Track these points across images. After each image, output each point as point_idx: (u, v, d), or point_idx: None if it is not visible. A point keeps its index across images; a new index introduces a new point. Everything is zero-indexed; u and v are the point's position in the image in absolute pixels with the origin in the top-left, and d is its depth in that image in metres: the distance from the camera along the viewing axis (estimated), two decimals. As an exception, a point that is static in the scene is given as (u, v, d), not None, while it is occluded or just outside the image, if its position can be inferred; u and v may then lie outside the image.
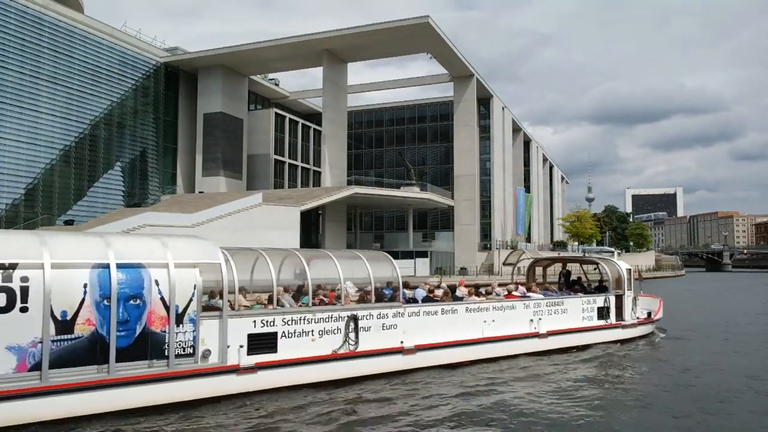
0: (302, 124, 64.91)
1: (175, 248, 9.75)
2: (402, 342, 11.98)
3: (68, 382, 8.32)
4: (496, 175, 63.29)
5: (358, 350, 11.29)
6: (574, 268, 20.64)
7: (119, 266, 8.89)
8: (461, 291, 14.78)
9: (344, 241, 53.12)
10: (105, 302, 8.68)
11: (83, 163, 44.98)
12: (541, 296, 15.70)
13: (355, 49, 51.62)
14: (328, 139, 51.48)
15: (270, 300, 11.15)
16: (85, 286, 8.60)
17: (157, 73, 52.00)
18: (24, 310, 8.12)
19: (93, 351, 8.57)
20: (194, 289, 9.50)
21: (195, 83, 55.49)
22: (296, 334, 10.65)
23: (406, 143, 73.23)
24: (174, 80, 54.56)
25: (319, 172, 57.53)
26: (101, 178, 46.75)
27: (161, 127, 52.74)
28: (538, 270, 20.89)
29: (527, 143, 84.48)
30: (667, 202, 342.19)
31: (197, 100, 55.29)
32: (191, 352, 9.41)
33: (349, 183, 52.56)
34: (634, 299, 17.60)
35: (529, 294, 15.83)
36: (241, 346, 9.99)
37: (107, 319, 8.67)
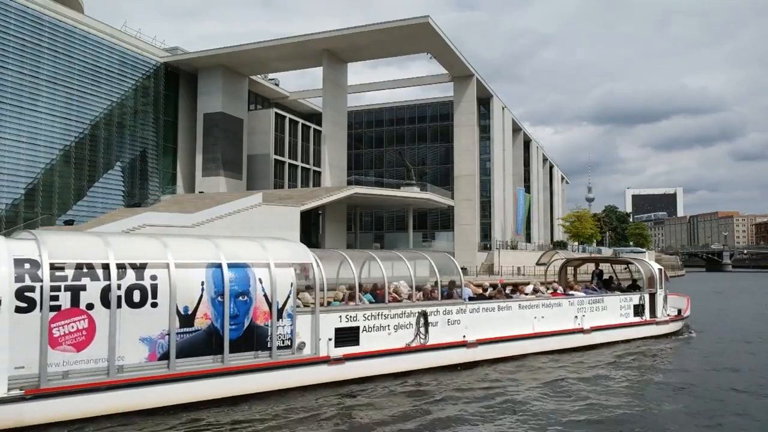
0: (302, 124, 64.90)
1: (273, 250, 10.73)
2: (464, 336, 12.95)
3: (190, 370, 9.21)
4: (496, 175, 63.28)
5: (427, 344, 12.24)
6: (604, 268, 21.56)
7: (229, 266, 9.83)
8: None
9: (344, 241, 53.12)
10: (219, 298, 9.60)
11: (83, 163, 44.97)
12: (583, 294, 16.64)
13: (355, 49, 51.61)
14: (328, 139, 51.46)
15: (351, 297, 12.09)
16: (202, 284, 9.51)
17: (157, 73, 51.99)
18: (154, 305, 8.97)
19: (209, 342, 9.49)
20: (291, 287, 10.46)
21: (195, 83, 55.47)
22: (375, 329, 11.61)
23: (406, 143, 73.24)
24: (174, 80, 54.54)
25: (319, 172, 57.52)
26: (101, 178, 46.73)
27: (161, 127, 52.73)
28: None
29: (527, 143, 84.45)
30: (667, 202, 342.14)
31: (197, 100, 55.28)
32: (289, 344, 10.36)
33: (349, 183, 52.56)
34: (665, 297, 18.44)
35: (571, 292, 16.81)
36: (330, 339, 10.91)
37: (221, 314, 9.59)
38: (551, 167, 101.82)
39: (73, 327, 8.31)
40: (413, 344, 12.03)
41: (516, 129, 76.69)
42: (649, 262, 19.07)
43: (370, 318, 11.51)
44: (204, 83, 54.90)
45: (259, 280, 10.07)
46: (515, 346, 13.92)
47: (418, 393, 10.73)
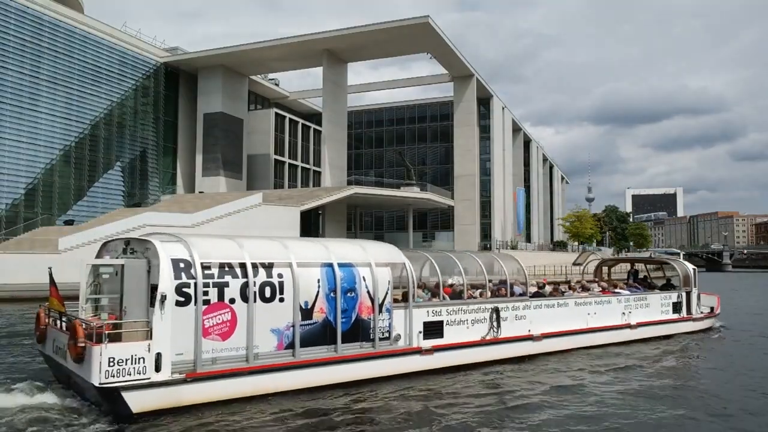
0: (302, 124, 64.90)
1: (373, 251, 11.74)
2: (529, 330, 13.97)
3: (311, 358, 10.23)
4: (496, 175, 63.27)
5: (499, 337, 13.30)
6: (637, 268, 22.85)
7: (339, 265, 10.85)
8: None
9: (344, 241, 53.06)
10: (332, 294, 10.61)
11: (83, 163, 44.98)
12: (629, 292, 17.66)
13: (355, 49, 51.61)
14: (328, 139, 51.46)
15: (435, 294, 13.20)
16: (318, 281, 10.51)
17: (157, 73, 52.00)
18: (281, 300, 10.02)
19: (325, 334, 10.50)
20: (388, 284, 11.45)
21: (195, 83, 55.47)
22: (456, 323, 12.63)
23: (406, 143, 73.24)
24: (174, 80, 54.55)
25: (319, 172, 57.53)
26: (101, 178, 46.74)
27: (161, 127, 52.74)
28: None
29: (527, 143, 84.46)
30: (667, 202, 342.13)
31: (197, 100, 55.29)
32: (387, 336, 11.35)
33: (349, 183, 52.56)
34: (698, 295, 19.57)
35: (618, 290, 17.82)
36: (420, 332, 11.90)
37: (334, 308, 10.61)
38: (551, 167, 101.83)
39: (219, 319, 9.38)
40: (488, 337, 13.13)
41: (516, 129, 76.68)
42: (684, 263, 20.14)
43: (451, 313, 12.59)
44: (204, 83, 54.89)
45: (363, 278, 11.10)
46: (573, 340, 14.96)
47: (496, 382, 11.73)
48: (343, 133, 54.82)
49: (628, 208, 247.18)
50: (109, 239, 11.42)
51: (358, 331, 10.93)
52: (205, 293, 9.21)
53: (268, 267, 10.02)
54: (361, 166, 73.75)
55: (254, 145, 58.61)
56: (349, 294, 10.84)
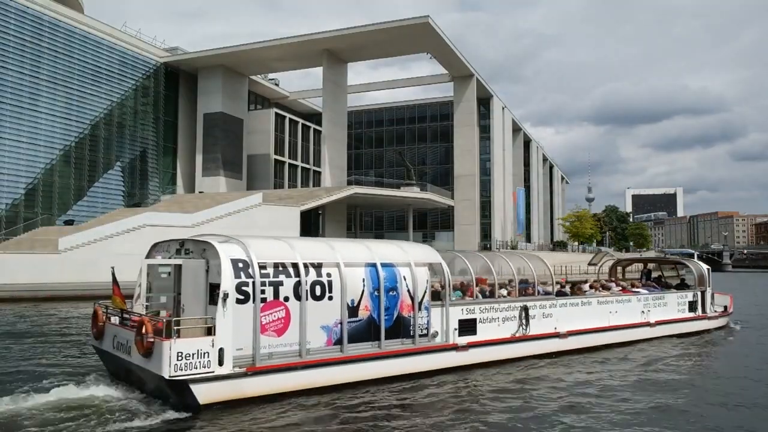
0: (302, 124, 64.88)
1: (412, 252, 12.28)
2: (556, 328, 14.51)
3: (357, 353, 10.72)
4: (496, 175, 63.26)
5: (528, 334, 13.85)
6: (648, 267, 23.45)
7: (382, 265, 11.35)
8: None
9: (344, 241, 53.05)
10: (375, 293, 11.10)
11: (83, 163, 44.97)
12: (647, 292, 18.12)
13: (355, 49, 51.61)
14: (328, 139, 51.46)
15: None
16: (363, 280, 11.01)
17: (157, 73, 52.00)
18: (330, 298, 10.50)
19: (369, 330, 11.00)
20: (427, 283, 11.97)
21: (195, 83, 55.47)
22: (488, 321, 13.19)
23: (406, 143, 73.23)
24: (174, 80, 54.55)
25: (319, 172, 57.52)
26: (101, 178, 46.74)
27: (161, 127, 52.73)
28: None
29: (527, 143, 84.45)
30: (667, 202, 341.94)
31: (197, 100, 55.28)
32: (425, 333, 11.84)
33: (349, 183, 52.56)
34: (712, 295, 20.17)
35: (637, 289, 18.24)
36: (455, 329, 12.44)
37: (377, 306, 11.10)
38: (551, 167, 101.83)
39: (274, 316, 9.89)
40: (517, 334, 13.67)
41: (516, 129, 76.67)
42: (699, 263, 20.72)
43: (484, 311, 13.17)
44: (204, 83, 54.89)
45: (404, 277, 11.58)
46: (596, 337, 15.48)
47: (527, 378, 12.20)
48: (343, 133, 54.82)
49: (628, 208, 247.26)
50: (160, 240, 12.03)
51: (400, 328, 11.45)
52: (262, 292, 9.71)
53: (318, 267, 10.54)
54: (361, 166, 73.74)
55: (254, 145, 58.61)
56: (391, 293, 11.34)
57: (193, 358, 8.88)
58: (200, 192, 51.37)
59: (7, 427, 8.10)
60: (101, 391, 9.68)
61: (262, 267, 9.80)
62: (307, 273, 10.28)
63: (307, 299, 10.19)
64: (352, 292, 10.78)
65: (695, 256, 25.58)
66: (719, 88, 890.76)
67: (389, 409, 9.52)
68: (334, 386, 10.27)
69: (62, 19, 43.62)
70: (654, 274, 22.64)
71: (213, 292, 9.50)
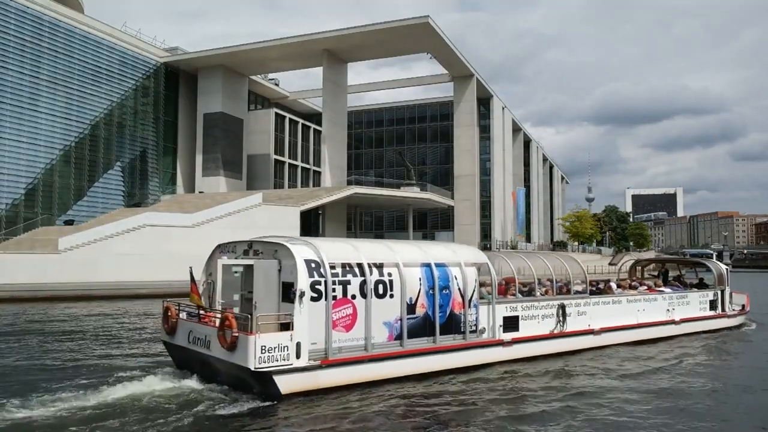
0: (302, 124, 64.88)
1: (461, 253, 13.11)
2: (589, 325, 15.23)
3: (415, 348, 11.46)
4: (496, 175, 63.26)
5: (565, 331, 14.58)
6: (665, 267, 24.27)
7: (436, 265, 12.09)
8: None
9: (344, 241, 53.03)
10: (430, 291, 11.83)
11: (83, 163, 44.97)
12: (671, 291, 18.88)
13: (355, 49, 51.61)
14: (328, 139, 51.46)
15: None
16: (419, 280, 11.71)
17: (157, 73, 51.99)
18: (391, 296, 11.23)
19: (425, 327, 11.72)
20: (475, 282, 12.76)
21: (195, 83, 55.47)
22: (529, 318, 13.92)
23: (406, 143, 73.23)
24: (174, 80, 54.54)
25: (319, 172, 57.52)
26: (101, 178, 46.74)
27: (161, 127, 52.73)
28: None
29: (527, 143, 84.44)
30: (667, 202, 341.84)
31: (197, 100, 55.28)
32: (474, 329, 12.61)
33: (349, 183, 52.56)
34: (731, 294, 20.87)
35: (661, 289, 19.07)
36: (500, 326, 13.20)
37: (432, 304, 11.83)
38: (551, 167, 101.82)
39: (343, 313, 10.61)
40: (555, 331, 14.40)
41: (516, 129, 76.67)
42: (718, 263, 21.40)
43: (525, 309, 13.91)
44: (204, 83, 54.89)
45: (455, 277, 12.32)
46: (626, 334, 16.23)
47: (568, 372, 12.91)
48: (343, 133, 54.82)
49: (628, 208, 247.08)
50: (223, 242, 12.73)
51: (452, 324, 12.19)
52: (333, 290, 10.43)
53: (380, 267, 11.27)
54: (361, 166, 73.74)
55: (254, 145, 58.61)
56: (444, 291, 12.07)
57: (274, 352, 9.60)
58: (200, 192, 51.38)
59: (103, 416, 8.66)
60: (180, 383, 10.38)
61: (332, 267, 10.51)
62: (371, 273, 11.02)
63: (371, 297, 10.92)
64: (411, 290, 11.51)
65: (714, 256, 26.80)
66: (719, 88, 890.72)
67: (445, 400, 10.19)
68: (395, 378, 10.99)
69: (62, 19, 43.62)
70: (671, 273, 23.36)
71: (286, 290, 10.26)
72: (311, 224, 52.26)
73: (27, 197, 40.93)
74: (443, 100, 70.35)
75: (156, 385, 10.22)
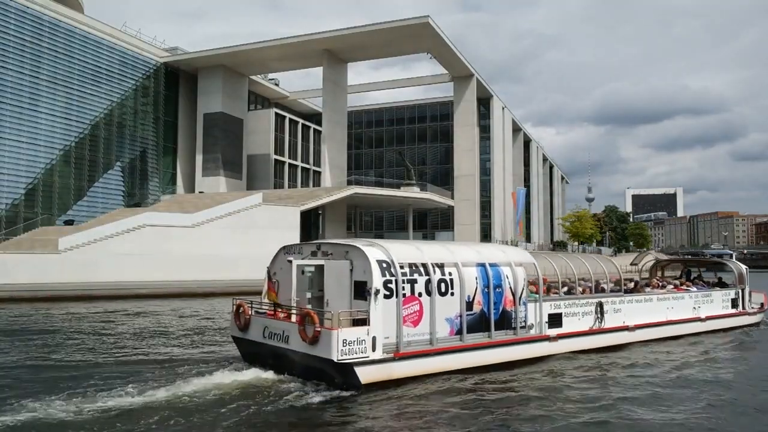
0: (302, 124, 64.87)
1: (511, 253, 14.02)
2: (624, 322, 16.01)
3: (473, 342, 12.28)
4: (496, 175, 63.25)
5: (603, 327, 15.40)
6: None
7: (490, 265, 12.92)
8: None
9: (344, 241, 53.01)
10: (485, 289, 12.64)
11: (83, 163, 44.97)
12: (696, 289, 19.67)
13: (355, 49, 51.60)
14: (328, 139, 51.46)
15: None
16: (476, 278, 12.54)
17: (157, 73, 51.99)
18: (452, 294, 12.05)
19: (481, 322, 12.57)
20: (524, 281, 13.50)
21: (195, 83, 55.46)
22: (571, 315, 14.71)
23: (406, 143, 73.21)
24: (174, 80, 54.53)
25: (319, 172, 57.52)
26: (101, 178, 46.73)
27: (161, 127, 52.72)
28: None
29: (527, 143, 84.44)
30: (667, 202, 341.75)
31: (197, 100, 55.27)
32: (524, 325, 13.38)
33: (349, 183, 52.54)
34: (750, 293, 21.71)
35: (688, 287, 19.84)
36: (546, 322, 13.92)
37: (487, 301, 12.66)
38: (551, 167, 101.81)
39: (411, 309, 11.40)
40: (594, 327, 15.20)
41: (516, 129, 76.67)
42: (738, 263, 22.20)
43: (568, 306, 14.70)
44: (204, 83, 54.88)
45: (506, 276, 13.12)
46: (658, 330, 17.12)
47: (611, 363, 13.75)
48: (343, 133, 54.82)
49: (628, 208, 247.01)
50: (289, 244, 13.54)
51: (504, 320, 13.01)
52: (402, 288, 11.20)
53: (441, 267, 12.08)
54: (361, 166, 73.73)
55: (254, 145, 58.60)
56: (497, 289, 12.88)
57: (353, 345, 10.36)
58: (200, 192, 51.37)
59: (189, 407, 9.21)
60: (260, 374, 11.18)
61: (401, 267, 11.31)
62: (434, 272, 11.84)
63: (435, 295, 11.72)
64: (469, 288, 12.36)
65: (733, 256, 27.34)
66: (720, 88, 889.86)
67: (503, 391, 11.00)
68: (456, 370, 11.78)
69: (62, 19, 43.61)
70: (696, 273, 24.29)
71: (358, 288, 11.06)
72: (311, 224, 52.27)
73: (27, 197, 40.92)
74: (443, 100, 70.35)
75: (235, 377, 10.90)
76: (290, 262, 12.32)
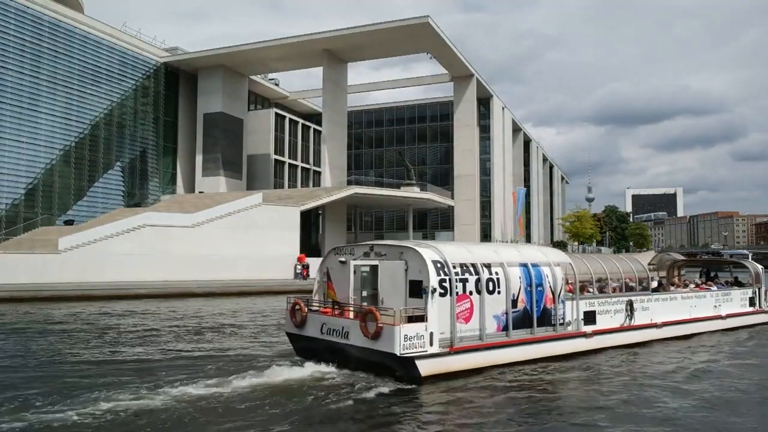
0: (302, 124, 64.89)
1: (549, 253, 14.75)
2: (652, 319, 16.72)
3: (518, 338, 12.90)
4: (496, 175, 63.26)
5: (633, 324, 16.08)
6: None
7: (532, 265, 13.55)
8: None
9: (344, 242, 53.09)
10: (528, 288, 13.24)
11: (83, 163, 44.98)
12: (716, 289, 20.42)
13: (355, 49, 51.62)
14: (328, 139, 51.47)
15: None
16: (519, 278, 13.13)
17: (157, 73, 51.99)
18: (498, 293, 12.66)
19: (524, 319, 13.14)
20: (562, 280, 14.12)
21: (195, 83, 55.47)
22: (603, 313, 15.37)
23: (406, 143, 73.22)
24: (174, 80, 54.54)
25: (319, 172, 57.53)
26: (101, 178, 46.74)
27: (161, 127, 52.73)
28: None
29: (527, 143, 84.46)
30: (667, 202, 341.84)
31: (197, 100, 55.28)
32: (562, 322, 13.99)
33: (349, 183, 52.55)
34: (766, 291, 22.36)
35: (709, 287, 20.57)
36: (581, 319, 14.57)
37: (530, 299, 13.27)
38: (551, 167, 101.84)
39: (463, 307, 12.03)
40: (625, 324, 15.85)
41: (516, 129, 76.68)
42: (754, 263, 22.98)
43: (601, 305, 15.38)
44: (204, 83, 54.89)
45: (546, 275, 13.73)
46: (683, 328, 17.80)
47: (641, 358, 14.61)
48: (343, 133, 54.83)
49: (628, 208, 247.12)
50: (338, 245, 14.13)
51: (545, 317, 13.63)
52: (455, 287, 11.81)
53: (488, 267, 12.70)
54: (361, 166, 73.75)
55: (254, 145, 58.62)
56: (539, 288, 13.49)
57: (414, 340, 10.93)
58: (200, 192, 51.39)
59: (253, 398, 9.64)
60: (319, 368, 11.64)
61: (453, 266, 11.91)
62: (482, 272, 12.49)
63: (484, 293, 12.37)
64: (513, 287, 12.94)
65: (750, 256, 28.23)
66: (720, 88, 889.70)
67: (547, 383, 11.66)
68: (503, 364, 12.41)
69: (62, 19, 43.62)
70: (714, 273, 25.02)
71: (414, 287, 11.67)
72: (311, 224, 52.28)
73: (27, 197, 40.94)
74: (443, 100, 70.36)
75: (295, 372, 11.38)
76: (342, 262, 13.11)
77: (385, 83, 68.61)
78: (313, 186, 61.61)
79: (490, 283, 12.55)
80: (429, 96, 78.21)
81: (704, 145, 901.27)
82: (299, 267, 39.43)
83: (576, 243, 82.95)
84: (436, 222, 68.68)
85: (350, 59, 54.42)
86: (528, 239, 76.63)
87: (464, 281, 12.08)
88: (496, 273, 12.77)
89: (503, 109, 67.40)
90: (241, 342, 15.99)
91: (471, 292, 12.18)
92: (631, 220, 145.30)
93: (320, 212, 51.18)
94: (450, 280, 11.70)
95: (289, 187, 59.66)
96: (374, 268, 12.61)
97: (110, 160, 47.55)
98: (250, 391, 10.05)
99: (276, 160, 60.08)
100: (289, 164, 62.35)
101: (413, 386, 10.68)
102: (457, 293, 11.83)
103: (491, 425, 8.79)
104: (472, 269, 12.36)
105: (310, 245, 47.94)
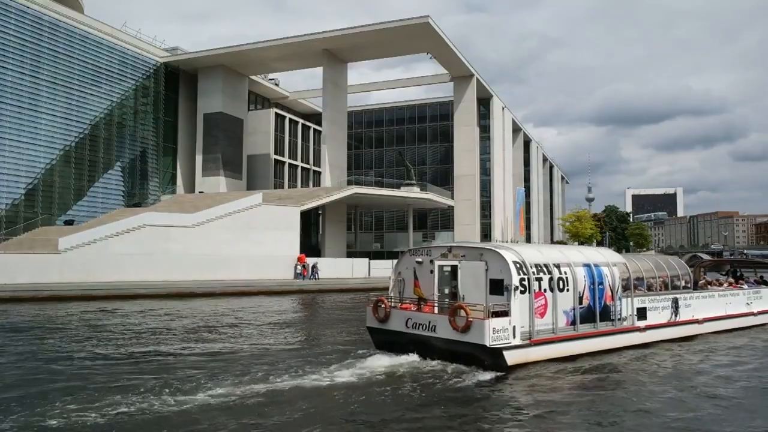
0: (302, 124, 64.87)
1: (606, 254, 16.28)
2: (693, 315, 17.93)
3: (584, 332, 14.24)
4: (496, 175, 63.24)
5: (678, 320, 17.34)
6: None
7: (594, 265, 14.91)
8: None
9: (344, 241, 53.11)
10: (591, 286, 14.57)
11: (83, 163, 44.96)
12: (747, 287, 21.69)
13: (355, 49, 51.60)
14: (328, 139, 51.46)
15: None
16: (584, 276, 14.47)
17: (157, 73, 51.97)
18: (567, 290, 13.98)
19: (589, 315, 14.48)
20: (618, 279, 15.38)
21: (195, 83, 55.45)
22: (653, 309, 16.59)
23: (406, 143, 73.19)
24: (174, 80, 54.52)
25: (319, 172, 57.52)
26: (101, 178, 46.72)
27: (161, 127, 52.71)
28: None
29: (527, 143, 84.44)
30: (668, 202, 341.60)
31: (197, 100, 55.26)
32: (620, 317, 15.28)
33: (349, 183, 52.53)
34: None
35: (741, 285, 21.90)
36: (634, 315, 15.81)
37: (593, 296, 14.60)
38: (551, 167, 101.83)
39: (539, 303, 13.29)
40: (671, 320, 17.11)
41: (516, 129, 76.66)
42: None
43: (651, 302, 16.57)
44: (204, 83, 54.87)
45: (606, 274, 15.03)
46: (720, 324, 19.05)
47: (691, 351, 15.80)
48: (343, 133, 54.81)
49: (628, 208, 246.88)
50: (414, 247, 15.75)
51: (606, 313, 14.89)
52: (532, 285, 13.04)
53: (558, 267, 13.95)
54: (361, 166, 73.74)
55: (254, 145, 58.60)
56: (600, 286, 14.75)
57: (500, 333, 12.15)
58: (200, 192, 51.38)
59: (352, 387, 10.68)
60: (409, 359, 12.80)
61: (530, 266, 13.12)
62: (553, 271, 13.72)
63: (556, 291, 13.60)
64: (579, 285, 14.19)
65: None
66: (721, 89, 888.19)
67: (612, 372, 12.91)
68: (571, 356, 13.56)
69: (62, 19, 43.60)
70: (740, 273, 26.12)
71: (494, 285, 12.89)
72: (311, 224, 52.28)
73: (27, 197, 40.92)
74: (443, 100, 70.33)
75: (385, 362, 12.53)
76: (419, 263, 14.41)
77: (385, 83, 68.59)
78: (313, 186, 61.61)
79: (561, 282, 13.78)
80: (429, 96, 78.21)
81: (705, 145, 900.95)
82: (299, 267, 39.47)
83: (576, 243, 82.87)
84: (436, 222, 68.67)
85: (350, 59, 54.40)
86: (528, 239, 76.62)
87: (539, 280, 13.30)
88: (565, 272, 14.01)
89: (503, 109, 67.39)
90: (328, 332, 17.95)
91: (545, 290, 13.42)
92: (631, 220, 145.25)
93: (320, 212, 51.17)
94: (528, 279, 12.94)
95: (289, 187, 59.65)
96: (454, 268, 13.82)
97: (110, 160, 47.53)
98: (357, 380, 11.29)
99: (276, 160, 60.07)
100: (289, 164, 62.34)
101: (501, 375, 11.85)
102: (533, 290, 13.04)
103: (578, 406, 10.01)
104: (545, 269, 13.60)
105: (310, 245, 47.94)
